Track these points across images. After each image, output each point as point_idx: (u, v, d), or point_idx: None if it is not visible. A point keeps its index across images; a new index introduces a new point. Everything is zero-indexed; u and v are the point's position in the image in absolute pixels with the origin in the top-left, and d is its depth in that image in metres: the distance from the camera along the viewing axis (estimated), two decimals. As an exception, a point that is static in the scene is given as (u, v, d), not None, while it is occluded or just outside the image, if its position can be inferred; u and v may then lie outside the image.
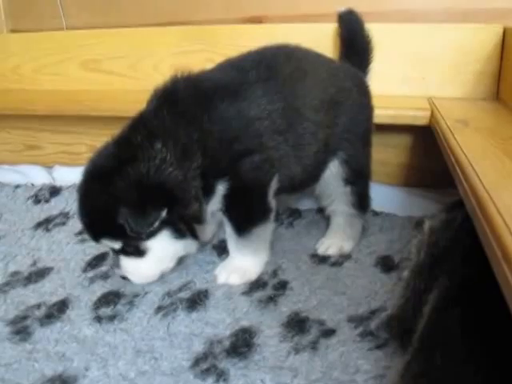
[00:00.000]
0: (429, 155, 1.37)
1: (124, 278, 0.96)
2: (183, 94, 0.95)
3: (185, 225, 0.94)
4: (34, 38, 1.78)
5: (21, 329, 0.89)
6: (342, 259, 1.06)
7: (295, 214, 1.28)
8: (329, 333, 0.83)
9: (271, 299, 0.94)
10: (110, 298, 0.96)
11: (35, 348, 0.84)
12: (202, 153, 0.91)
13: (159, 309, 0.92)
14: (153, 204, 0.87)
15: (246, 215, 0.99)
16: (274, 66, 1.01)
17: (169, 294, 0.96)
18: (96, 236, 0.93)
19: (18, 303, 0.96)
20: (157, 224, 0.88)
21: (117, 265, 0.96)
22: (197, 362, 0.79)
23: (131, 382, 0.76)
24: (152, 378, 0.76)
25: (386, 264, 1.03)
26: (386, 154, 1.42)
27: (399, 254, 1.06)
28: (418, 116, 1.23)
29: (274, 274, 1.02)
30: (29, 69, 1.78)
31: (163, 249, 0.94)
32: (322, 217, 1.25)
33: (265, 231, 1.00)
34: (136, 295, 0.97)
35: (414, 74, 1.40)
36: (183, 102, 0.94)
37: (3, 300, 0.97)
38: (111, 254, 0.98)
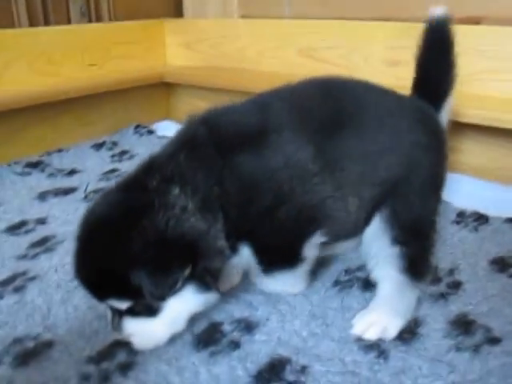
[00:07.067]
0: None
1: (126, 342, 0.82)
2: (202, 141, 0.84)
3: (211, 277, 0.81)
4: (260, 24, 2.00)
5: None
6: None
7: (482, 218, 1.26)
8: (494, 341, 0.84)
9: (442, 296, 0.97)
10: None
11: (228, 292, 0.98)
12: (223, 212, 0.81)
13: (336, 283, 1.02)
14: (176, 262, 0.75)
15: (274, 259, 0.90)
16: (308, 107, 0.88)
17: (347, 272, 1.06)
18: (101, 297, 0.79)
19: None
20: (180, 283, 0.76)
21: (116, 327, 0.80)
22: (362, 336, 0.88)
23: (302, 339, 0.87)
24: (321, 340, 0.87)
25: None
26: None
27: None
28: None
29: (450, 272, 1.04)
30: (253, 51, 2.01)
31: (182, 306, 0.80)
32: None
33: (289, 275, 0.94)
34: (319, 267, 1.04)
35: None
36: (201, 150, 0.83)
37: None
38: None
